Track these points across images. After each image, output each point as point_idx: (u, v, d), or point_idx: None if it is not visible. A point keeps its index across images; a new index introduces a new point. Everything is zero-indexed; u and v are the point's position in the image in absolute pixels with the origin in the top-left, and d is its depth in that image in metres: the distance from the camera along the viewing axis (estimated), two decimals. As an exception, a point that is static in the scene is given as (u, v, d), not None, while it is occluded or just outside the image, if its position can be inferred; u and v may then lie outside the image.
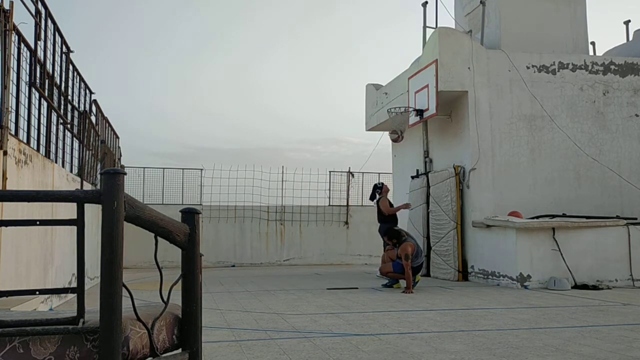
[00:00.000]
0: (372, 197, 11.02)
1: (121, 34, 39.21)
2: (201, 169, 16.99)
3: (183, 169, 17.11)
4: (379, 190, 10.82)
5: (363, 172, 18.01)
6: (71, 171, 8.91)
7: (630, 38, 12.84)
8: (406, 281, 8.78)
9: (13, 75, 5.53)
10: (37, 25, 6.64)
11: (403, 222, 12.26)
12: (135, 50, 39.47)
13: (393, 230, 9.51)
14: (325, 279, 11.45)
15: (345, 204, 17.90)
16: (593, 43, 13.04)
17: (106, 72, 37.82)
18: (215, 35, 40.57)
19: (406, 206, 11.05)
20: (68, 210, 7.06)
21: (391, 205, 10.85)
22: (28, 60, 6.23)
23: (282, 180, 17.46)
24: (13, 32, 5.38)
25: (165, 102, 38.23)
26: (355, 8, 42.73)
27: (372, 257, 16.98)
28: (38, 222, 1.68)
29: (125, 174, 1.60)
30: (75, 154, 9.26)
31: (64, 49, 8.27)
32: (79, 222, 1.61)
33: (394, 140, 12.68)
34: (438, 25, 12.22)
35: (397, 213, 10.77)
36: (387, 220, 10.52)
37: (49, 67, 7.17)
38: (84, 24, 38.09)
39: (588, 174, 10.87)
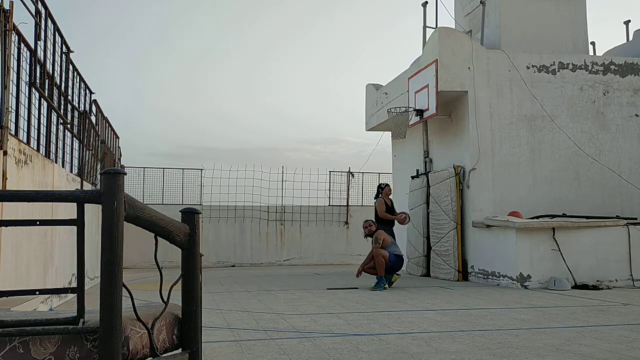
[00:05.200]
0: (376, 197, 10.75)
1: (122, 33, 39.23)
2: (201, 169, 17.01)
3: (183, 169, 17.12)
4: (380, 190, 10.58)
5: (363, 172, 18.01)
6: (71, 171, 8.91)
7: (630, 38, 12.83)
8: (375, 262, 9.26)
9: (13, 75, 5.53)
10: (37, 25, 6.64)
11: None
12: (136, 50, 39.48)
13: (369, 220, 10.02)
14: (325, 279, 11.45)
15: (345, 204, 17.90)
16: (593, 43, 13.04)
17: (106, 72, 37.83)
18: (216, 36, 40.58)
19: (401, 220, 10.27)
20: (68, 210, 7.06)
21: (389, 209, 10.37)
22: (28, 60, 6.23)
23: (282, 180, 17.47)
24: (13, 32, 5.38)
25: (165, 102, 38.25)
26: (355, 9, 42.73)
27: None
28: (38, 222, 1.68)
29: (125, 174, 1.60)
30: (75, 154, 9.26)
31: (64, 49, 8.26)
32: (79, 222, 1.61)
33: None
34: (438, 25, 12.22)
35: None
36: (381, 222, 10.19)
37: (49, 67, 7.16)
38: (85, 23, 38.10)
39: (588, 174, 10.87)
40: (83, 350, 1.58)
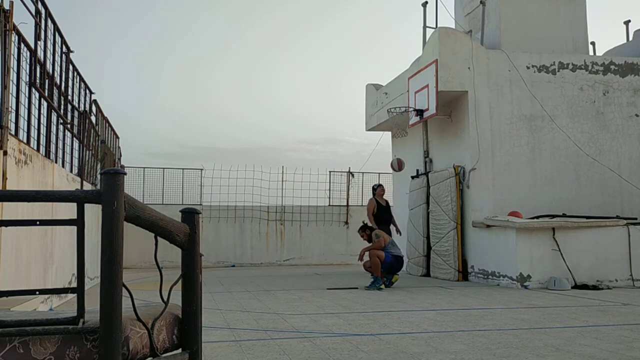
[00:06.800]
0: None
1: (122, 33, 39.22)
2: (201, 169, 17.01)
3: (183, 169, 17.12)
4: (374, 191, 10.67)
5: (363, 172, 18.01)
6: (71, 171, 8.91)
7: (630, 38, 12.83)
8: (370, 262, 9.27)
9: (13, 75, 5.53)
10: (37, 25, 6.64)
11: (403, 223, 12.25)
12: (136, 50, 39.49)
13: (365, 224, 9.99)
14: (325, 279, 11.45)
15: (345, 204, 17.90)
16: (593, 43, 13.04)
17: (106, 72, 37.83)
18: (216, 36, 40.57)
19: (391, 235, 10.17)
20: (68, 210, 7.06)
21: (383, 210, 10.36)
22: (28, 60, 6.23)
23: (282, 180, 17.46)
24: (13, 32, 5.38)
25: (166, 102, 38.26)
26: (355, 9, 42.74)
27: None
28: (38, 222, 1.68)
29: (125, 174, 1.60)
30: (75, 154, 9.26)
31: (64, 49, 8.27)
32: (79, 222, 1.61)
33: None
34: (438, 25, 12.22)
35: (394, 216, 10.65)
36: (378, 221, 10.19)
37: (49, 67, 7.16)
38: (85, 23, 38.10)
39: (588, 174, 10.87)
40: (83, 350, 1.58)
